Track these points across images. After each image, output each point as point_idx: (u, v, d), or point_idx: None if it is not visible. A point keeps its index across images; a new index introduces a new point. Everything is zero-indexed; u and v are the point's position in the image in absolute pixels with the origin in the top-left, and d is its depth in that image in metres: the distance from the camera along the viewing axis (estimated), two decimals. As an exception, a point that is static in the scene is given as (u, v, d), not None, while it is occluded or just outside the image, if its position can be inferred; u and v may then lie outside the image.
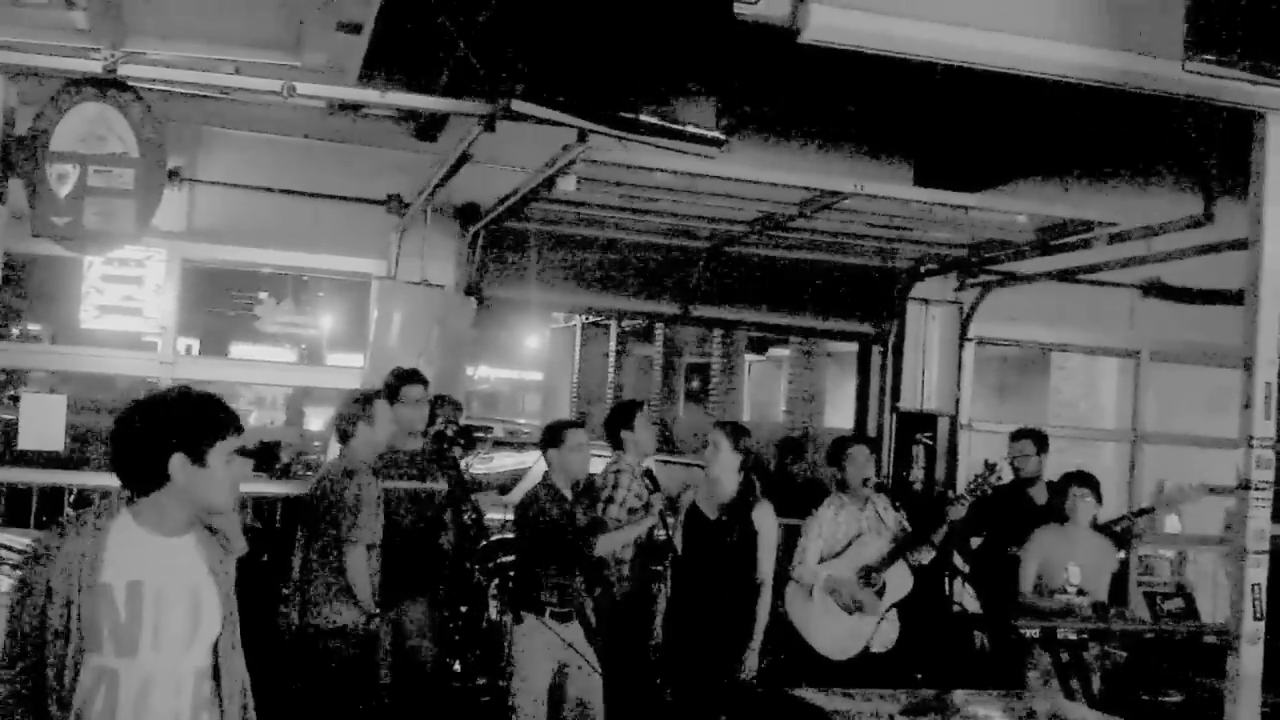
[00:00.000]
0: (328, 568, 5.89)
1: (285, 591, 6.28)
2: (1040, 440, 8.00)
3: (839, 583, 6.61)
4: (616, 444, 6.84)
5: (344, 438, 6.20)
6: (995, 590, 7.34)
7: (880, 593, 6.63)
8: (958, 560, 8.18)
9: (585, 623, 6.22)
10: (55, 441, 7.88)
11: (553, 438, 6.27)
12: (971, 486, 6.72)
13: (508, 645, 6.18)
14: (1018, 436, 8.06)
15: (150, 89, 6.17)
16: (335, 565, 5.86)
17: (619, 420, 6.88)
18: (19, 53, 6.06)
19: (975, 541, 8.16)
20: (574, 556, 6.18)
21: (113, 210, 6.13)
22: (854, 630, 6.61)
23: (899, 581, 6.66)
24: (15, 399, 9.88)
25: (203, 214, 8.17)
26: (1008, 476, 7.76)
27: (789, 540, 7.02)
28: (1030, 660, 6.84)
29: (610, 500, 6.60)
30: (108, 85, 6.03)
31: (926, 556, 6.72)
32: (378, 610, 5.96)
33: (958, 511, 6.71)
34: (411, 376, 6.70)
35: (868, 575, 6.62)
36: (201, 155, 8.18)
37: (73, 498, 9.73)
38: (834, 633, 6.62)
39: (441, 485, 6.71)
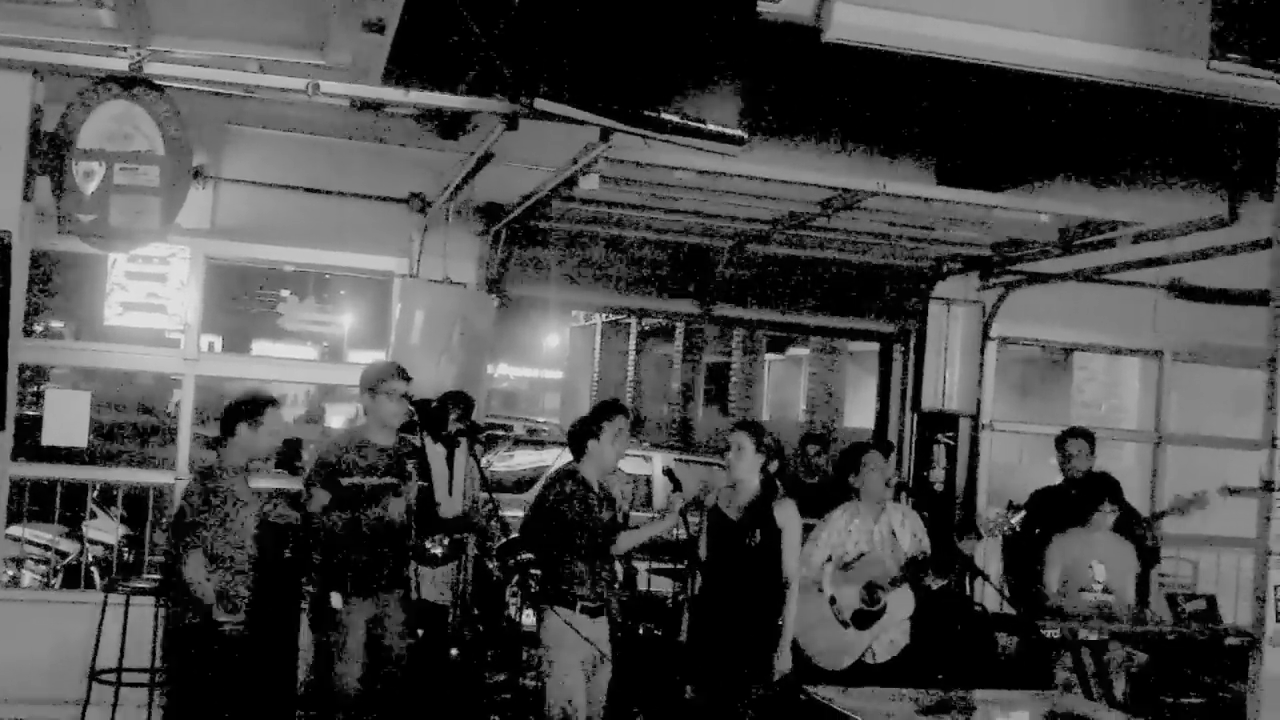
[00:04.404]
0: (175, 568, 5.85)
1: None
2: (1092, 440, 7.98)
3: (843, 590, 6.60)
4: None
5: (224, 435, 6.09)
6: (1027, 592, 7.32)
7: (881, 612, 6.61)
8: (980, 562, 8.16)
9: (612, 618, 6.27)
10: (79, 437, 7.94)
11: (593, 430, 6.31)
12: (991, 526, 6.70)
13: (540, 643, 6.20)
14: (1072, 435, 8.01)
15: (176, 87, 6.21)
16: (177, 566, 5.81)
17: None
18: (46, 50, 6.11)
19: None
20: (604, 549, 6.21)
21: (138, 208, 6.17)
22: (849, 643, 6.59)
23: (901, 602, 6.63)
24: (39, 395, 9.93)
25: (227, 212, 8.20)
26: (1023, 480, 7.76)
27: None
28: (1058, 661, 6.83)
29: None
30: (134, 83, 6.06)
31: (937, 584, 6.70)
32: (228, 616, 5.89)
33: (970, 547, 6.70)
34: (394, 370, 6.54)
35: (871, 593, 6.61)
36: (226, 153, 8.21)
37: (96, 493, 9.80)
38: (829, 642, 6.59)
39: (395, 480, 6.43)
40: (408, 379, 6.51)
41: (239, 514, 6.01)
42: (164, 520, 8.61)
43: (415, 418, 6.40)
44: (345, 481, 6.24)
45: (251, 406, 6.13)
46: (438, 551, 6.41)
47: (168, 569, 5.97)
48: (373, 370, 6.60)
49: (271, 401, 6.25)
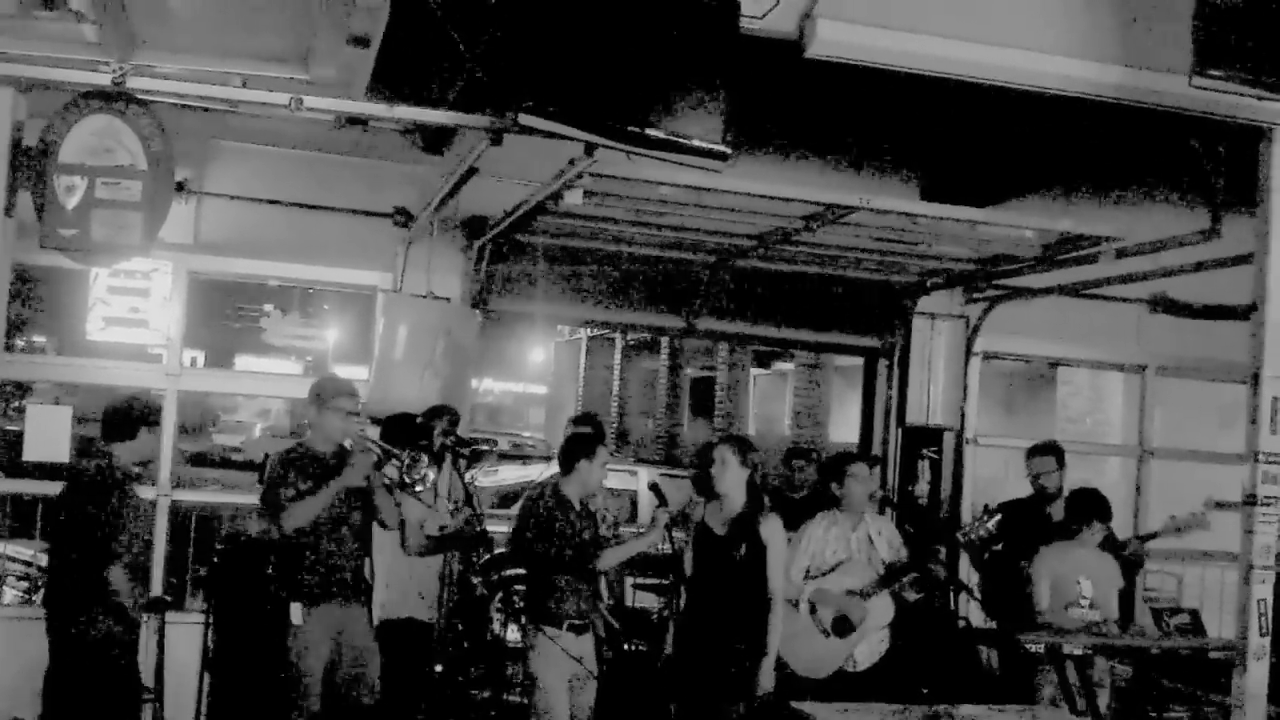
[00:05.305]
0: (90, 577, 5.77)
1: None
2: (1060, 455, 7.96)
3: (824, 596, 6.57)
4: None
5: (124, 437, 6.07)
6: (1008, 606, 7.30)
7: (860, 620, 6.59)
8: (964, 575, 8.15)
9: (597, 634, 6.25)
10: (60, 453, 7.88)
11: (585, 450, 6.29)
12: (964, 533, 6.70)
13: (525, 661, 6.17)
14: (1038, 452, 7.98)
15: (158, 102, 6.19)
16: (98, 575, 5.75)
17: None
18: (28, 65, 6.08)
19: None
20: (586, 565, 6.19)
21: (120, 222, 6.13)
22: (832, 651, 6.57)
23: (881, 609, 6.61)
24: (20, 410, 9.88)
25: (210, 226, 8.18)
26: (1007, 495, 7.76)
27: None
28: (1041, 676, 6.82)
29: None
30: (116, 98, 6.04)
31: (914, 596, 6.66)
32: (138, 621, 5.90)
33: (939, 571, 6.70)
34: (343, 387, 6.48)
35: (850, 601, 6.59)
36: (209, 168, 8.20)
37: (78, 509, 9.72)
38: (812, 651, 6.57)
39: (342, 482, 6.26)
40: (357, 398, 6.48)
41: (143, 519, 6.01)
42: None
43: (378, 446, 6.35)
44: (301, 487, 6.18)
45: (135, 409, 6.14)
46: (422, 471, 6.17)
47: (71, 578, 5.91)
48: (323, 385, 6.52)
49: (150, 407, 6.32)
